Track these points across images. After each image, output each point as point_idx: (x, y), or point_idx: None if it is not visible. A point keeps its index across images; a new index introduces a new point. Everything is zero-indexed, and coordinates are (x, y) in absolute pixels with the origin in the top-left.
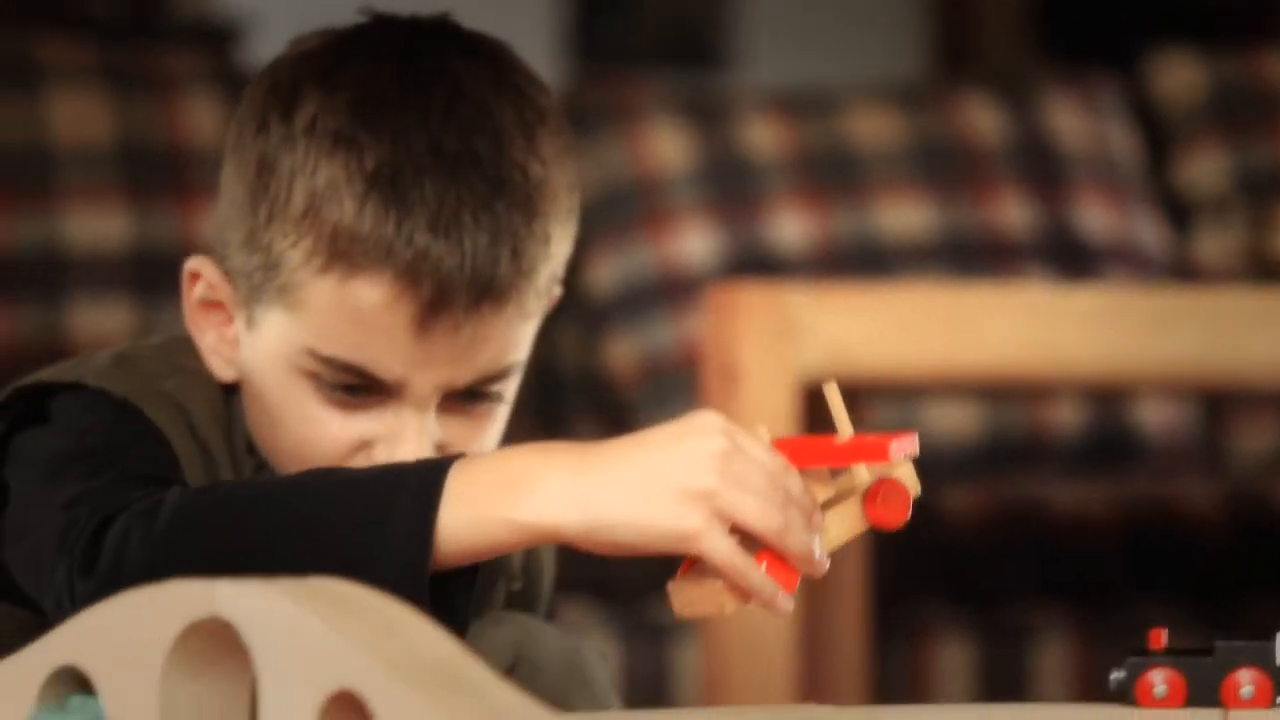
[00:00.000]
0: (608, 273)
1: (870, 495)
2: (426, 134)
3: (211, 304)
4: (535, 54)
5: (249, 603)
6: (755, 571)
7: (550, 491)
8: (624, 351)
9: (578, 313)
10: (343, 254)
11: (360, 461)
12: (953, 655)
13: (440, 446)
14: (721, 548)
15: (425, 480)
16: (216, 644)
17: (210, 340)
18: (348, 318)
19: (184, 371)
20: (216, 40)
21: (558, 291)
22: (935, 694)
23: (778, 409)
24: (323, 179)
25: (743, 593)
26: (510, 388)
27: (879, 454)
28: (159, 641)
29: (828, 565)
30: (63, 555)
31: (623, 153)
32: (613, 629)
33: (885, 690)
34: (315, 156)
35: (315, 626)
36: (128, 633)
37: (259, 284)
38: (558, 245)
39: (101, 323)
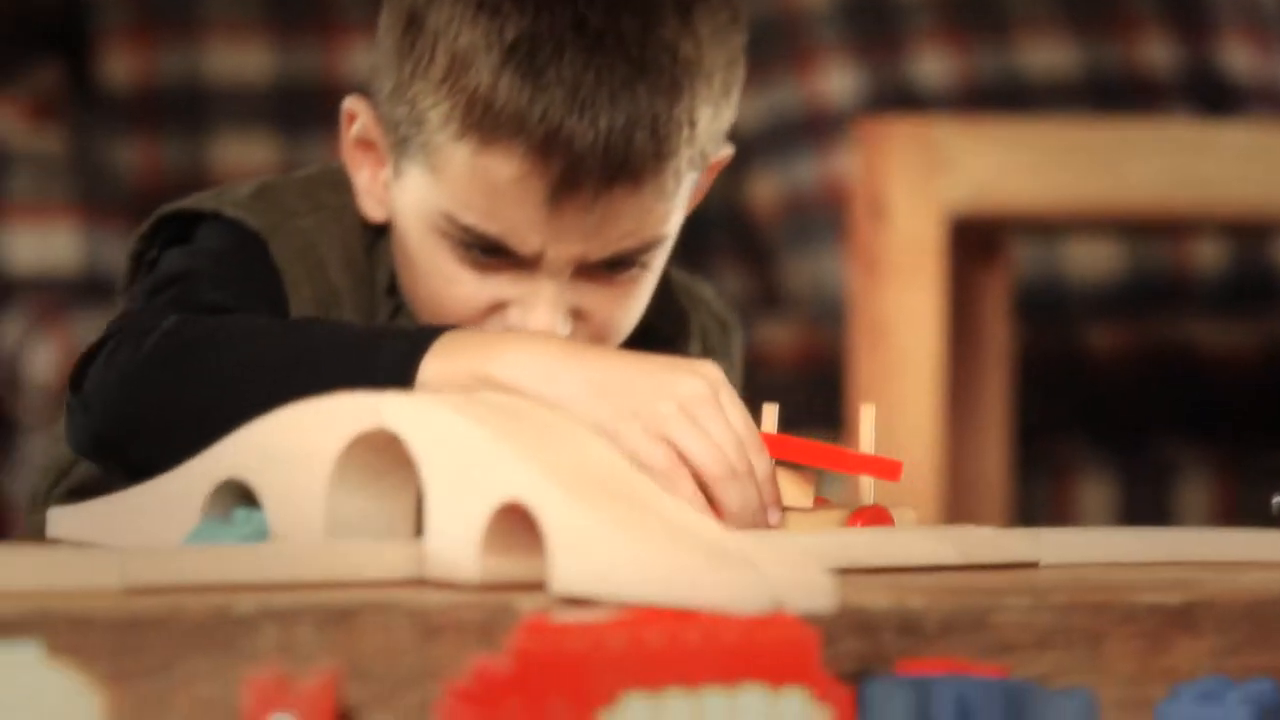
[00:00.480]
0: (751, 111)
1: (856, 517)
2: (572, 8)
3: (366, 143)
4: None
5: (417, 414)
6: (684, 484)
7: (524, 359)
8: (767, 189)
9: None
10: (478, 123)
11: (494, 322)
12: (1094, 492)
13: (577, 313)
14: (650, 451)
15: (415, 335)
16: (382, 456)
17: (364, 179)
18: (481, 188)
19: (324, 208)
20: None
21: (727, 152)
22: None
23: (925, 242)
24: (464, 43)
25: None
26: (655, 259)
27: (891, 472)
28: (325, 454)
29: None
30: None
31: None
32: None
33: (1028, 524)
34: (459, 20)
35: (484, 438)
36: (293, 445)
37: (405, 136)
38: (708, 125)
39: (243, 155)
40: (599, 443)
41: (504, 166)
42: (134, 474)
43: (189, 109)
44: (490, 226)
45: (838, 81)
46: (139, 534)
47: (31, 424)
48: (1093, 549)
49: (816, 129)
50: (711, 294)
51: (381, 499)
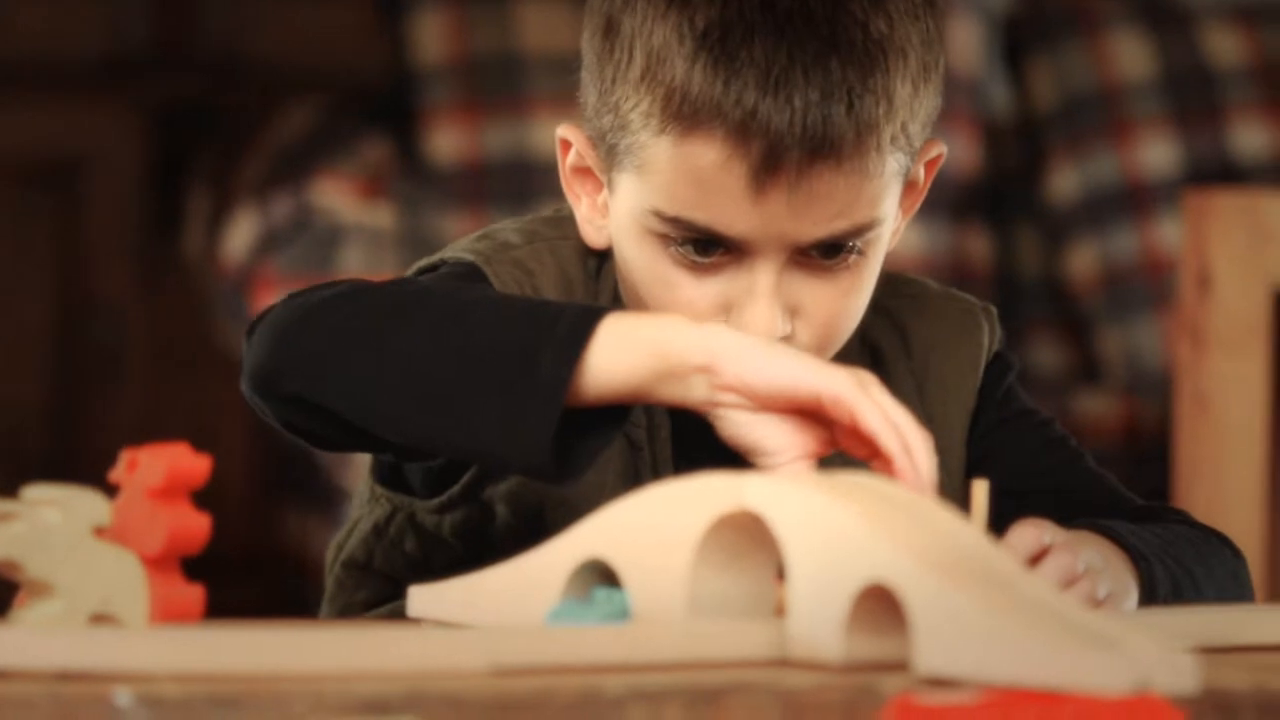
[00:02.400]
0: (1069, 181)
1: None
2: None
3: (583, 170)
4: None
5: (779, 495)
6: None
7: (706, 330)
8: (1085, 260)
9: (1039, 221)
10: (676, 114)
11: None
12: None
13: (796, 310)
14: (868, 402)
15: (585, 310)
16: (745, 536)
17: (584, 207)
18: (686, 177)
19: (540, 239)
20: None
21: (941, 149)
22: None
23: (1250, 313)
24: (658, 40)
25: None
26: (872, 246)
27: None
28: (688, 534)
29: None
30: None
31: (1084, 61)
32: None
33: None
34: (651, 18)
35: (849, 519)
36: (656, 525)
37: (613, 144)
38: (907, 102)
39: None
40: (961, 522)
41: (706, 153)
42: (284, 414)
43: (515, 182)
44: (697, 215)
45: (1157, 153)
46: (500, 613)
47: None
48: None
49: (1135, 200)
50: (964, 302)
51: (743, 579)
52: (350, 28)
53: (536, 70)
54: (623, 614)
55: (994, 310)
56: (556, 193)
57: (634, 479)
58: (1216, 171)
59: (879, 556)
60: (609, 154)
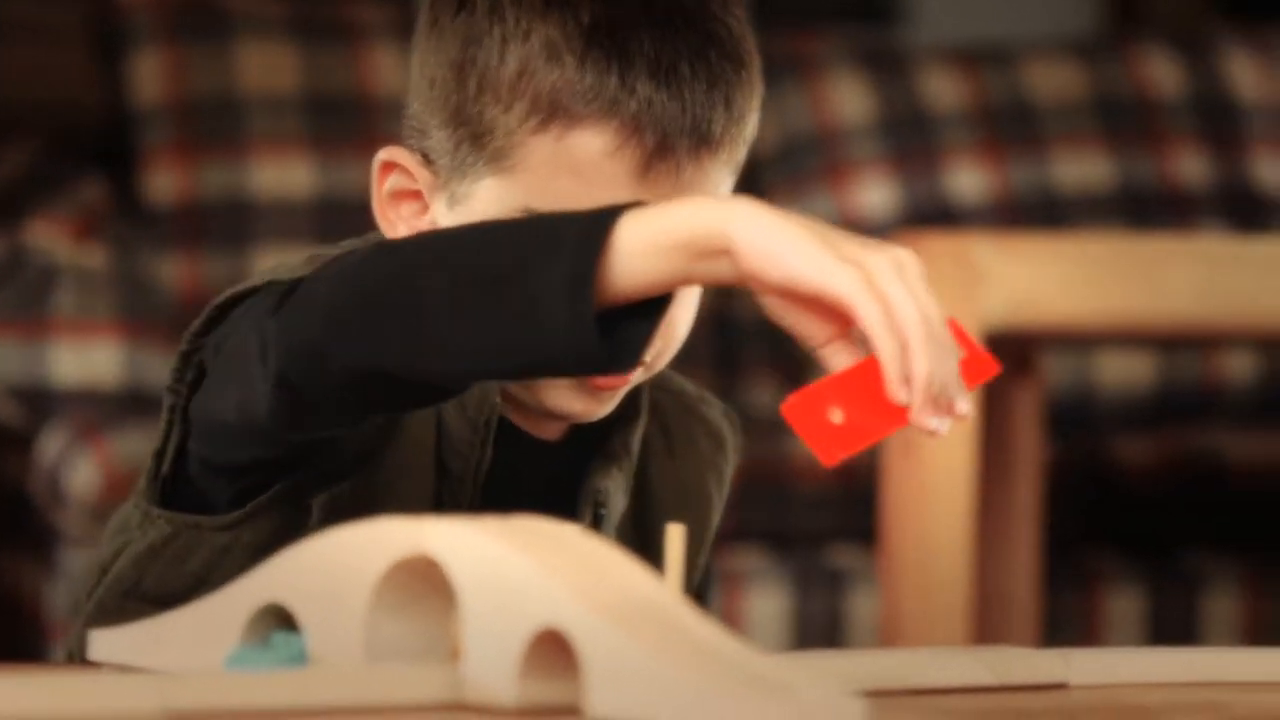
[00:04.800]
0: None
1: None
2: None
3: (403, 194)
4: None
5: (456, 540)
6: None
7: (734, 204)
8: None
9: None
10: (562, 109)
11: None
12: (1123, 604)
13: None
14: (865, 300)
15: (599, 209)
16: (422, 581)
17: (401, 233)
18: (566, 171)
19: None
20: None
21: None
22: (1106, 640)
23: None
24: (537, 40)
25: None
26: None
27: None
28: (365, 578)
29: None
30: (259, 320)
31: (803, 105)
32: (788, 577)
33: (1057, 638)
34: (527, 21)
35: (523, 565)
36: (333, 570)
37: (464, 157)
38: (759, 99)
39: None
40: (637, 569)
41: (593, 144)
42: (328, 396)
43: (231, 225)
44: (574, 206)
45: (874, 196)
46: (178, 657)
47: (73, 537)
48: (1122, 669)
49: None
50: (716, 410)
51: (420, 624)
52: (67, 67)
53: (255, 111)
54: (300, 658)
55: (736, 417)
56: (273, 234)
57: (439, 506)
58: (934, 214)
59: (551, 602)
60: (456, 168)
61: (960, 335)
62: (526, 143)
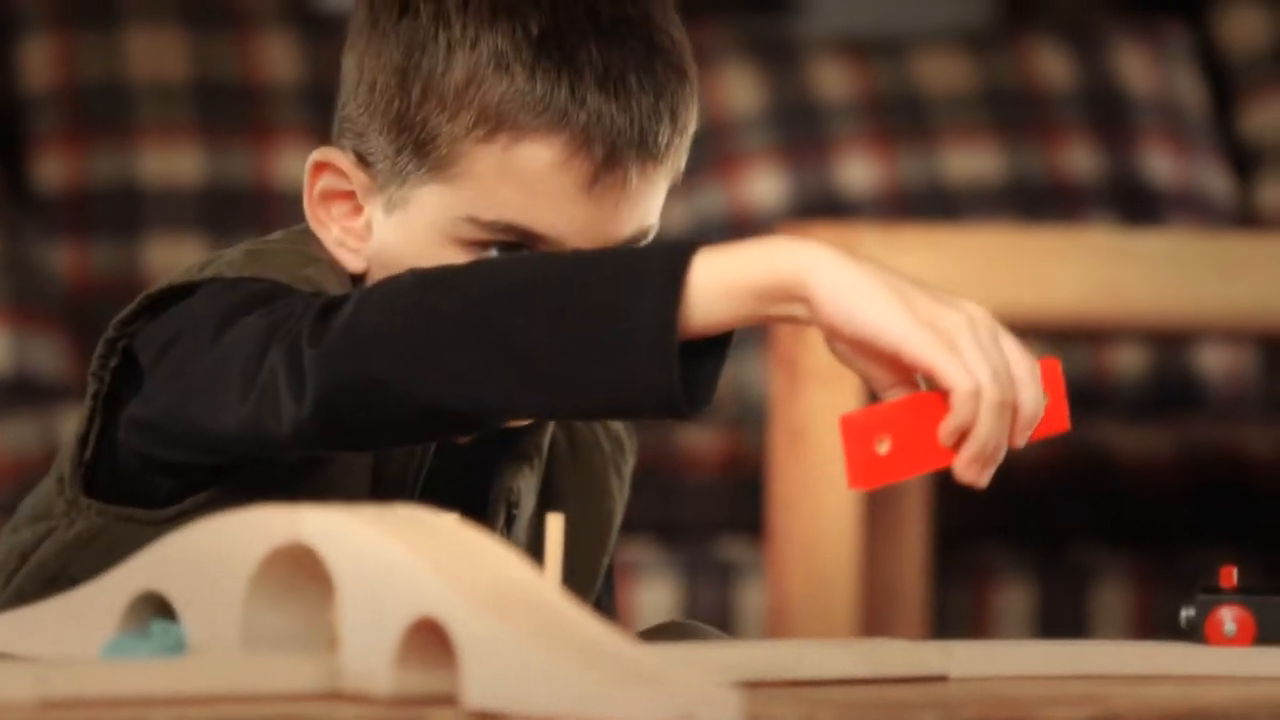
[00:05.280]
0: (677, 214)
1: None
2: (583, 1)
3: (335, 195)
4: None
5: (334, 529)
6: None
7: (815, 249)
8: None
9: None
10: (510, 120)
11: None
12: (1013, 596)
13: None
14: (965, 381)
15: (678, 243)
16: (300, 570)
17: (335, 233)
18: (513, 182)
19: (319, 261)
20: None
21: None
22: (995, 634)
23: None
24: (485, 49)
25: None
26: None
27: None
28: (242, 567)
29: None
30: (277, 344)
31: None
32: (676, 569)
33: (946, 629)
34: (474, 28)
35: (399, 554)
36: (211, 558)
37: (406, 163)
38: (696, 108)
39: (174, 258)
40: (514, 558)
41: (541, 156)
42: (356, 440)
43: (120, 212)
44: (518, 217)
45: (763, 187)
46: (57, 645)
47: None
48: (1003, 662)
49: (741, 233)
50: None
51: (298, 612)
52: None
53: (144, 98)
54: (178, 647)
55: None
56: (162, 222)
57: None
58: (823, 205)
59: (427, 591)
60: (395, 174)
61: (1052, 381)
62: (472, 152)
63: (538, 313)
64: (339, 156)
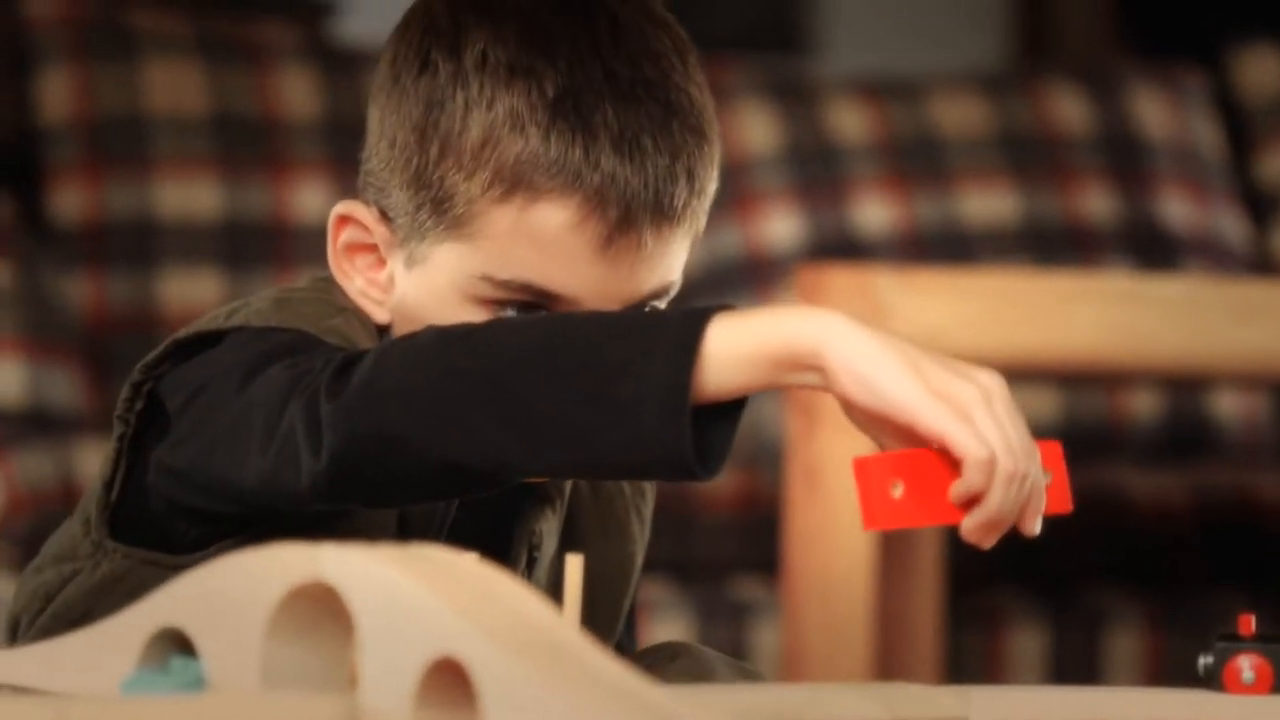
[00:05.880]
0: (693, 254)
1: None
2: (600, 61)
3: (359, 248)
4: None
5: (353, 567)
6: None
7: (831, 318)
8: None
9: None
10: (526, 181)
11: None
12: (1026, 640)
13: None
14: (978, 449)
15: (694, 309)
16: (320, 608)
17: (359, 284)
18: (528, 242)
19: (345, 311)
20: (310, 13)
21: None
22: (1008, 678)
23: None
24: (501, 109)
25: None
26: (663, 306)
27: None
28: (262, 604)
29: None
30: (297, 398)
31: None
32: (691, 608)
33: (959, 673)
34: (491, 88)
35: (419, 593)
36: (231, 595)
37: (424, 220)
38: (718, 166)
39: (191, 292)
40: (533, 598)
41: (556, 218)
42: (372, 495)
43: (137, 245)
44: (534, 277)
45: (779, 228)
46: (76, 680)
47: None
48: (1022, 707)
49: (757, 274)
50: None
51: (318, 650)
52: None
53: (161, 131)
54: (197, 684)
55: None
56: (178, 255)
57: None
58: (839, 246)
59: (448, 630)
60: (415, 229)
61: (1055, 461)
62: (488, 212)
63: (554, 374)
64: (362, 211)
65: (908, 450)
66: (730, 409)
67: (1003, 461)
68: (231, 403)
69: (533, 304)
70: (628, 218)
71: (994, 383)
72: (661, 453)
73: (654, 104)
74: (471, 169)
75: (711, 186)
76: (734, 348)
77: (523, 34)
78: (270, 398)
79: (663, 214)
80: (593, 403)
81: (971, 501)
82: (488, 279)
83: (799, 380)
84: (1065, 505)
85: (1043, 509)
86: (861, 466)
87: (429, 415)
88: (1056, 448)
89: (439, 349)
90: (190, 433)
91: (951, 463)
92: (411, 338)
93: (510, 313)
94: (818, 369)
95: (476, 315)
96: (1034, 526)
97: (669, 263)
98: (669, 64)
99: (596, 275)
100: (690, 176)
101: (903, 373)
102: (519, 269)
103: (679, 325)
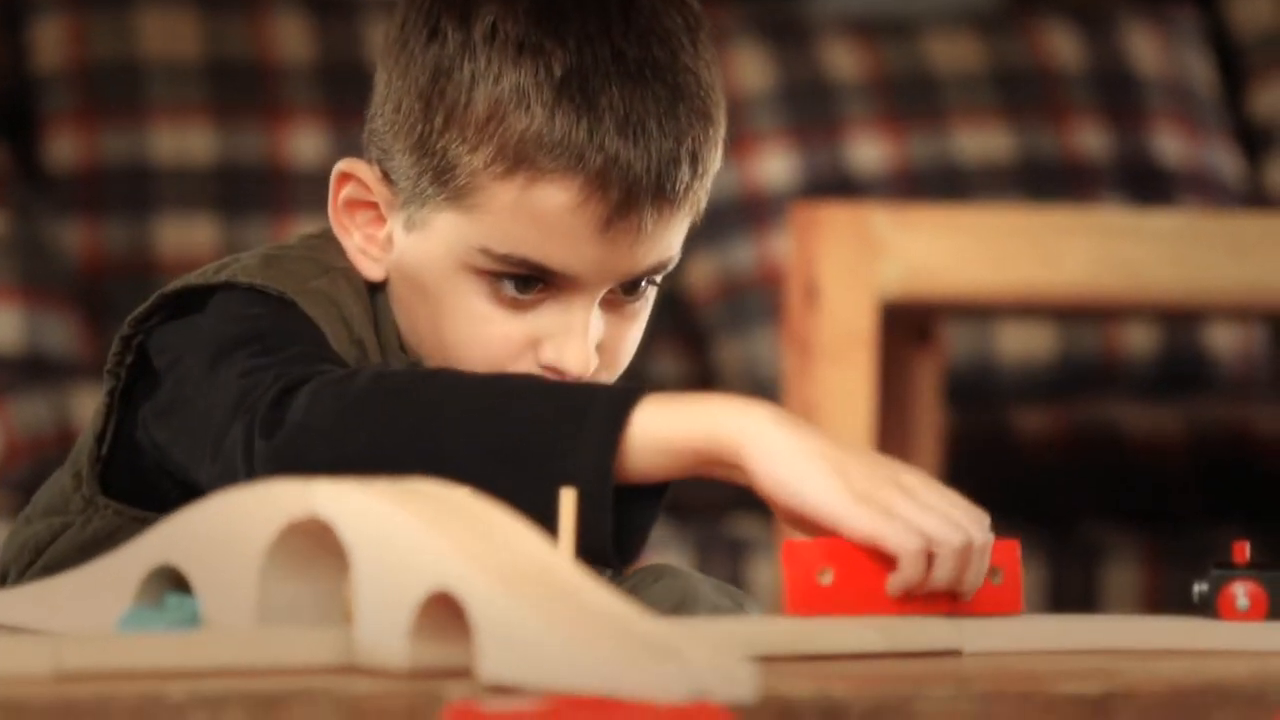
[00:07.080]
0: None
1: None
2: (609, 40)
3: (359, 204)
4: None
5: (348, 503)
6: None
7: (756, 416)
8: (703, 271)
9: None
10: (529, 160)
11: (527, 361)
12: (1024, 575)
13: (596, 343)
14: (911, 543)
15: (622, 391)
16: (314, 544)
17: (356, 240)
18: (528, 219)
19: (333, 270)
20: None
21: None
22: None
23: (857, 326)
24: (508, 85)
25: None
26: (660, 280)
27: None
28: (257, 541)
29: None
30: (241, 416)
31: None
32: (688, 544)
33: None
34: (498, 63)
35: (414, 528)
36: (226, 532)
37: (426, 186)
38: (722, 146)
39: (186, 238)
40: (527, 532)
41: (558, 197)
42: None
43: (132, 192)
44: (532, 253)
45: (774, 166)
46: (72, 618)
47: None
48: (1015, 637)
49: (752, 213)
50: None
51: (312, 586)
52: None
53: (156, 78)
54: (193, 620)
55: None
56: (174, 201)
57: None
58: (834, 185)
59: (443, 565)
60: (416, 195)
61: (1010, 559)
62: (489, 186)
63: (482, 442)
64: (364, 169)
65: (844, 540)
66: (652, 494)
67: (947, 539)
68: (199, 384)
69: (529, 277)
70: (629, 200)
71: (913, 477)
72: (580, 537)
73: (661, 86)
74: (475, 143)
75: (715, 166)
76: (658, 436)
77: (534, 11)
78: (226, 401)
79: (664, 197)
80: (517, 477)
81: (909, 593)
82: (486, 252)
83: (722, 474)
84: (1015, 605)
85: (984, 574)
86: (790, 551)
87: (356, 467)
88: (1014, 546)
89: (375, 400)
90: (166, 407)
91: (885, 554)
92: (350, 379)
93: (507, 284)
94: (738, 467)
95: (473, 285)
96: (968, 584)
97: (668, 241)
98: (678, 43)
99: (595, 254)
100: (694, 160)
101: (824, 477)
102: (517, 244)
103: (606, 408)
